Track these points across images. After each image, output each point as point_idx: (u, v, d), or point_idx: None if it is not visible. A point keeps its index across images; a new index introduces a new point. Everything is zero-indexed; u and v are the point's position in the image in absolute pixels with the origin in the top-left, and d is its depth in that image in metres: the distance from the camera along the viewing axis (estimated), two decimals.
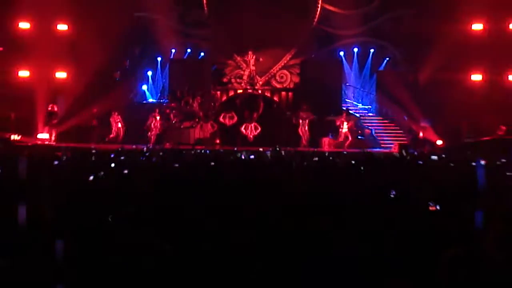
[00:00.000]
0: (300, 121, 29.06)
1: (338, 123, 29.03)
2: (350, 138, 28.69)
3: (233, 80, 34.00)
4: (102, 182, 8.55)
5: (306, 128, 29.01)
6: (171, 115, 30.08)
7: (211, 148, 24.19)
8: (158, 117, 29.48)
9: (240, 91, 32.79)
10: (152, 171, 10.33)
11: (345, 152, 21.50)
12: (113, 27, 28.71)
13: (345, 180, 9.03)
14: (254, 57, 33.11)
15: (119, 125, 29.76)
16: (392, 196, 7.34)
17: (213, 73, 33.60)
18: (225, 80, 34.06)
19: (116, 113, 29.77)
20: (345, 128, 28.80)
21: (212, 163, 12.19)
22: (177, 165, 11.47)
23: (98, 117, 30.62)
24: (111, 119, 29.73)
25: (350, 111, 31.67)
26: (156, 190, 7.29)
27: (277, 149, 21.31)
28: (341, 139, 28.80)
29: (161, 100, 34.20)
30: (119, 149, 19.91)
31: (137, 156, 15.23)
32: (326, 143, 29.26)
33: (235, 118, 30.28)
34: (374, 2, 33.57)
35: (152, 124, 29.28)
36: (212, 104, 31.02)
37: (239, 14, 32.76)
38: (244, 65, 33.52)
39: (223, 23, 33.55)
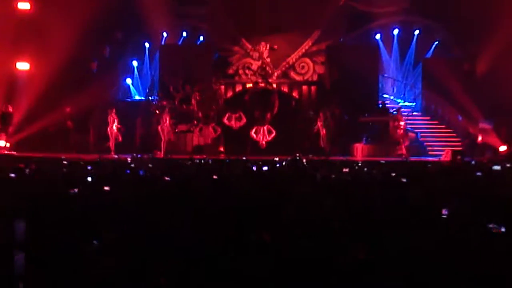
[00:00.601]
0: (319, 123, 28.98)
1: (392, 123, 29.00)
2: (405, 143, 28.58)
3: (240, 71, 34.05)
4: (76, 201, 8.56)
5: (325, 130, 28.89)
6: (163, 116, 30.10)
7: (213, 158, 24.23)
8: (167, 119, 29.27)
9: (249, 85, 32.77)
10: (138, 187, 10.35)
11: (382, 162, 21.47)
12: (88, 5, 28.73)
13: (384, 196, 9.01)
14: (268, 47, 33.13)
15: (115, 127, 29.16)
16: (444, 216, 7.32)
17: (215, 63, 33.65)
18: (230, 71, 34.10)
19: (114, 112, 29.45)
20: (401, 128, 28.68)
21: (215, 177, 12.20)
22: (168, 178, 11.49)
23: (73, 119, 30.62)
24: (109, 119, 29.39)
25: (390, 110, 31.56)
26: (143, 211, 7.30)
27: (297, 158, 21.32)
28: (402, 148, 28.49)
29: (150, 98, 34.25)
30: (98, 159, 19.99)
31: (121, 169, 15.26)
32: (360, 150, 29.24)
33: (244, 120, 30.27)
34: None
35: (159, 128, 29.06)
36: (215, 102, 31.04)
37: None
38: (256, 54, 33.56)
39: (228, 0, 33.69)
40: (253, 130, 29.90)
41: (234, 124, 30.34)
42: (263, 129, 29.88)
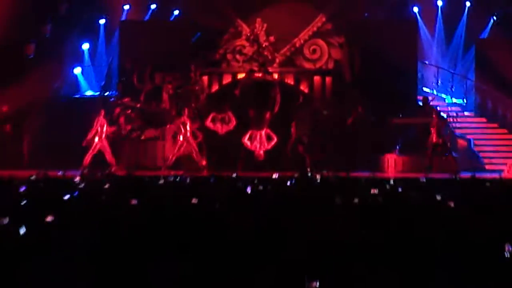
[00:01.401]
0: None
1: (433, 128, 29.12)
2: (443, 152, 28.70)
3: (229, 56, 34.09)
4: (6, 234, 8.54)
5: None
6: (122, 118, 30.05)
7: (193, 174, 24.20)
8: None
9: (241, 75, 32.78)
10: (91, 216, 10.33)
11: (423, 180, 21.48)
12: None
13: (427, 227, 9.02)
14: (265, 27, 33.14)
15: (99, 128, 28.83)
16: (508, 254, 7.32)
17: (195, 45, 33.67)
18: (216, 56, 34.13)
19: (103, 114, 28.91)
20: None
21: (194, 201, 12.18)
22: (135, 202, 11.49)
23: (12, 122, 30.69)
24: (95, 124, 28.67)
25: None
26: (98, 249, 7.31)
27: (308, 174, 21.30)
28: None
29: (107, 93, 34.22)
30: (33, 177, 19.89)
31: (68, 190, 15.25)
32: (392, 163, 29.25)
33: (233, 122, 30.19)
34: None
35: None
36: (194, 97, 31.00)
37: None
38: (249, 32, 33.58)
39: None
40: (247, 136, 29.80)
41: (220, 127, 30.23)
42: (261, 135, 29.75)
